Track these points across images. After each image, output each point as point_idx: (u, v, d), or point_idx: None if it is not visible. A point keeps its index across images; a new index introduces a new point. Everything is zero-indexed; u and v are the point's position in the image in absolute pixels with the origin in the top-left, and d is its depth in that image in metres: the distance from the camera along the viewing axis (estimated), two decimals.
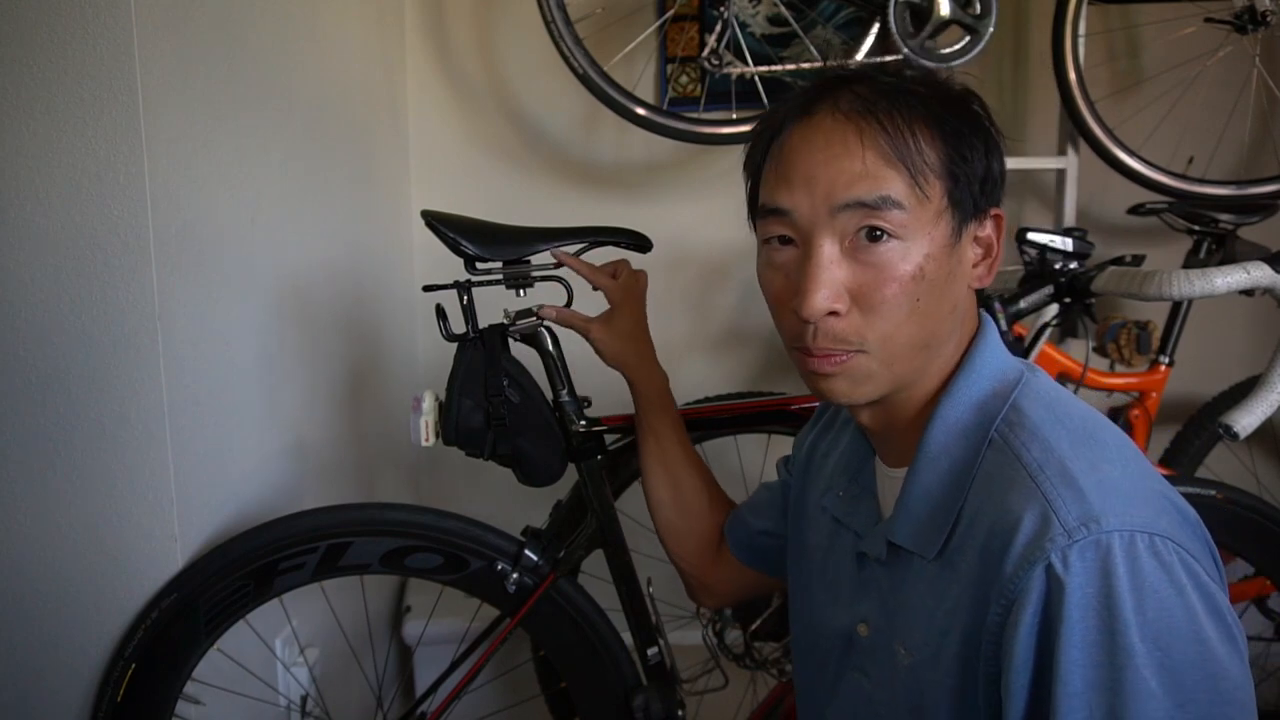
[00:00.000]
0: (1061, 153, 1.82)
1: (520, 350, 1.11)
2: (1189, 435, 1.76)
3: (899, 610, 0.74)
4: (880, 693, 0.78)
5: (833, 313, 0.69)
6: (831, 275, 0.68)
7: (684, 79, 1.93)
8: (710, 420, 1.27)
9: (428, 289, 1.09)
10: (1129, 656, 0.58)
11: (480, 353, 1.08)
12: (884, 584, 0.77)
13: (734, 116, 1.73)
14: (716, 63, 1.67)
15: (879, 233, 0.67)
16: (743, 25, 1.85)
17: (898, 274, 0.68)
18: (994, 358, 0.73)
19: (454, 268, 1.08)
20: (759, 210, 0.74)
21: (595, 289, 1.09)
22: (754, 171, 0.77)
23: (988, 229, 0.73)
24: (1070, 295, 1.35)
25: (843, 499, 0.84)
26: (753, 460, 1.75)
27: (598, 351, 1.07)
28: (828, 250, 0.68)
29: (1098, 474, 0.64)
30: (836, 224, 0.68)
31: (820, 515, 0.88)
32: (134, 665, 1.03)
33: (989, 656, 0.64)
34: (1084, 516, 0.61)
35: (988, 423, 0.70)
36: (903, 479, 0.75)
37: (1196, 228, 1.58)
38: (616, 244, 1.12)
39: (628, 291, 1.08)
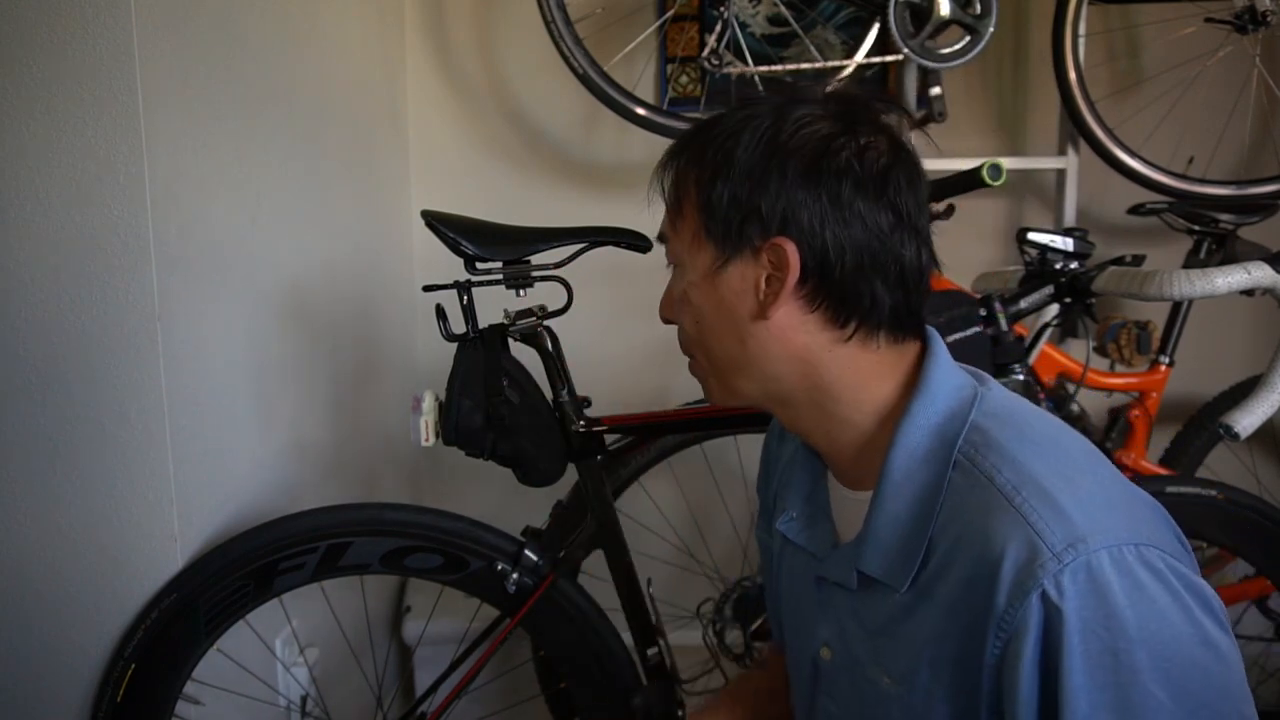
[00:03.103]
0: (1061, 153, 1.82)
1: (520, 350, 1.11)
2: (1189, 435, 1.75)
3: (874, 638, 0.73)
4: (849, 718, 0.77)
5: (670, 321, 0.81)
6: (667, 294, 0.80)
7: (684, 79, 1.93)
8: (710, 420, 1.27)
9: (428, 289, 1.09)
10: (1134, 674, 0.57)
11: (480, 353, 1.08)
12: (845, 608, 0.76)
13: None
14: (716, 63, 1.67)
15: (669, 260, 0.79)
16: (743, 25, 1.85)
17: (675, 294, 0.78)
18: (946, 377, 0.72)
19: (454, 268, 1.08)
20: None
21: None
22: None
23: (763, 265, 0.70)
24: (1070, 295, 1.35)
25: (796, 521, 0.83)
26: (752, 460, 1.75)
27: None
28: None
29: (1074, 489, 0.63)
30: None
31: (780, 539, 0.87)
32: (134, 665, 1.03)
33: (991, 690, 0.63)
34: (1070, 537, 0.60)
35: (949, 445, 0.69)
36: (863, 502, 0.74)
37: (1197, 228, 1.58)
38: (616, 244, 1.12)
39: None
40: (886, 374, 0.73)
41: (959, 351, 0.85)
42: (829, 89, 0.74)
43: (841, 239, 0.69)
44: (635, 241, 1.13)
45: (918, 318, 0.74)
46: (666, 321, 0.82)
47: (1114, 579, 0.58)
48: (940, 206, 1.42)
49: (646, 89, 1.93)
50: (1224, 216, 1.54)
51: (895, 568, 0.70)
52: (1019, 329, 1.44)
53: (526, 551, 1.13)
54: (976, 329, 1.26)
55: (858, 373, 0.73)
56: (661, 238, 0.79)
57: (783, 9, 1.77)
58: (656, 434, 1.39)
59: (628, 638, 1.18)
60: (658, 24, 1.86)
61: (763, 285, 0.71)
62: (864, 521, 0.72)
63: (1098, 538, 0.60)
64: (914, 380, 0.73)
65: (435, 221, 1.05)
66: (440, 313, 1.07)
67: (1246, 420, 1.11)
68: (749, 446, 1.73)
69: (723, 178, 0.71)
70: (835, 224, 0.69)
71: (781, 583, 0.88)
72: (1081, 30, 1.69)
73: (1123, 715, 0.58)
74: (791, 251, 0.69)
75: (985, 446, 0.67)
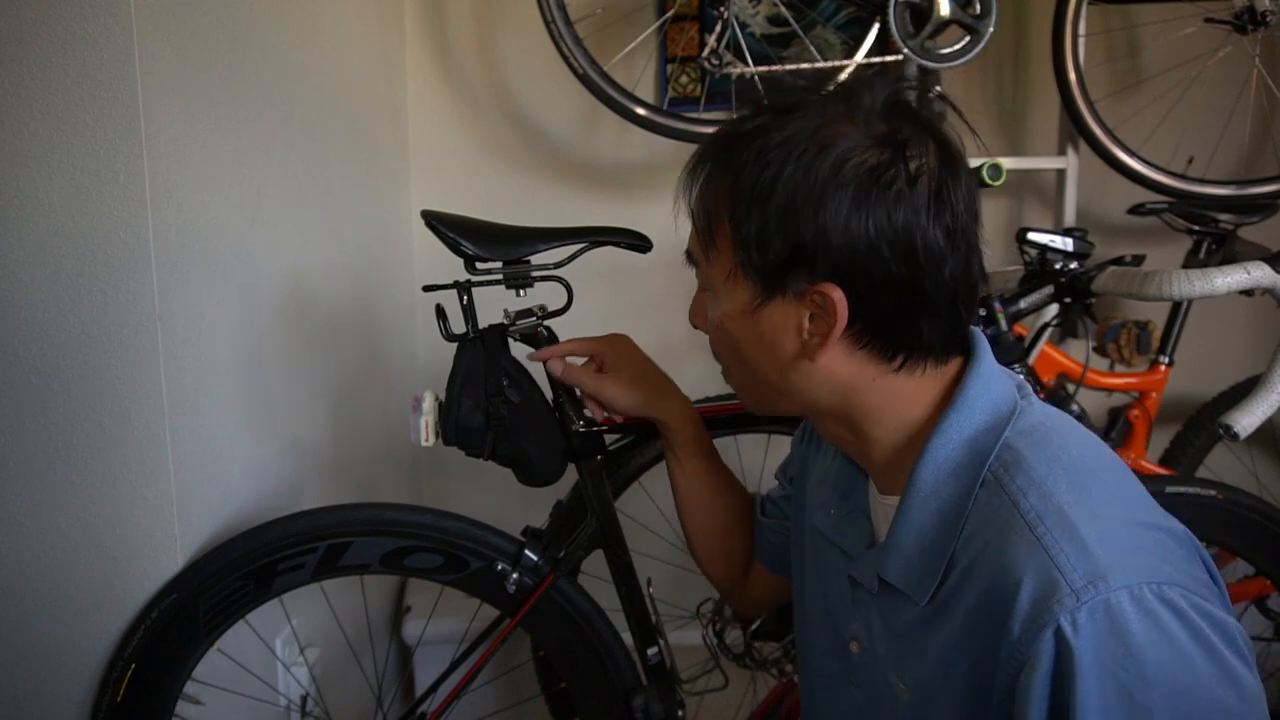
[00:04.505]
0: (1061, 153, 1.82)
1: (520, 350, 1.11)
2: (1189, 435, 1.76)
3: (894, 642, 0.73)
4: (872, 711, 0.77)
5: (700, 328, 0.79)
6: (697, 303, 0.79)
7: (684, 79, 1.93)
8: (710, 420, 1.26)
9: (428, 289, 1.09)
10: (1148, 715, 0.56)
11: (480, 353, 1.08)
12: (873, 609, 0.76)
13: (734, 116, 1.72)
14: (716, 63, 1.67)
15: (701, 282, 0.77)
16: (743, 25, 1.85)
17: (710, 317, 0.76)
18: (986, 390, 0.70)
19: (454, 268, 1.08)
20: None
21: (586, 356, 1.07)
22: None
23: (807, 305, 0.68)
24: (1070, 295, 1.35)
25: (833, 518, 0.83)
26: (753, 460, 1.75)
27: (619, 408, 1.03)
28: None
29: (1099, 521, 0.62)
30: None
31: (814, 531, 0.87)
32: (134, 665, 1.03)
33: (1001, 706, 0.62)
34: (1090, 574, 0.58)
35: (980, 461, 0.67)
36: (894, 507, 0.73)
37: (1196, 228, 1.58)
38: (616, 244, 1.12)
39: (615, 340, 1.06)
40: (926, 393, 0.72)
41: None
42: (872, 92, 0.67)
43: (891, 278, 0.66)
44: (635, 241, 1.12)
45: (965, 334, 0.72)
46: (697, 328, 0.80)
47: (1134, 619, 0.57)
48: None
49: (646, 89, 1.93)
50: (1224, 216, 1.55)
51: (916, 580, 0.69)
52: (1019, 329, 1.44)
53: (526, 551, 1.13)
54: (976, 329, 1.26)
55: (898, 397, 0.72)
56: (690, 257, 0.76)
57: (783, 9, 1.77)
58: (657, 434, 1.39)
59: (628, 638, 1.18)
60: (658, 24, 1.86)
61: (806, 324, 0.69)
62: (889, 528, 0.72)
63: (1118, 576, 0.58)
64: (951, 393, 0.71)
65: (435, 221, 1.05)
66: (440, 313, 1.07)
67: (1246, 420, 1.11)
68: (749, 446, 1.73)
69: (760, 212, 0.66)
70: (887, 261, 0.65)
71: (822, 574, 0.88)
72: (1081, 30, 1.70)
73: None
74: (839, 299, 0.66)
75: (1014, 466, 0.66)
